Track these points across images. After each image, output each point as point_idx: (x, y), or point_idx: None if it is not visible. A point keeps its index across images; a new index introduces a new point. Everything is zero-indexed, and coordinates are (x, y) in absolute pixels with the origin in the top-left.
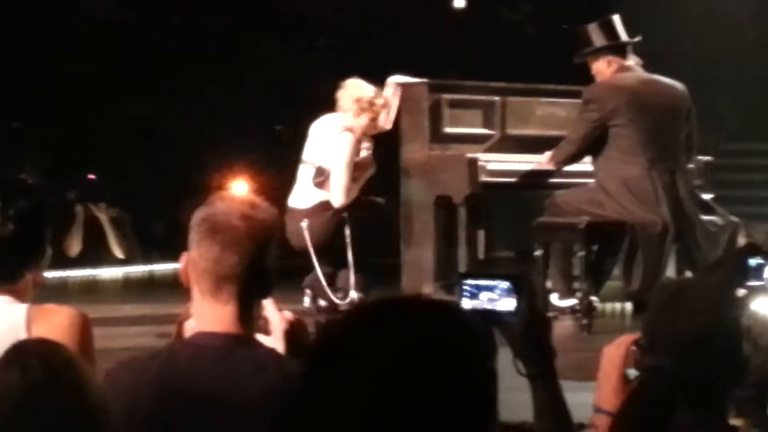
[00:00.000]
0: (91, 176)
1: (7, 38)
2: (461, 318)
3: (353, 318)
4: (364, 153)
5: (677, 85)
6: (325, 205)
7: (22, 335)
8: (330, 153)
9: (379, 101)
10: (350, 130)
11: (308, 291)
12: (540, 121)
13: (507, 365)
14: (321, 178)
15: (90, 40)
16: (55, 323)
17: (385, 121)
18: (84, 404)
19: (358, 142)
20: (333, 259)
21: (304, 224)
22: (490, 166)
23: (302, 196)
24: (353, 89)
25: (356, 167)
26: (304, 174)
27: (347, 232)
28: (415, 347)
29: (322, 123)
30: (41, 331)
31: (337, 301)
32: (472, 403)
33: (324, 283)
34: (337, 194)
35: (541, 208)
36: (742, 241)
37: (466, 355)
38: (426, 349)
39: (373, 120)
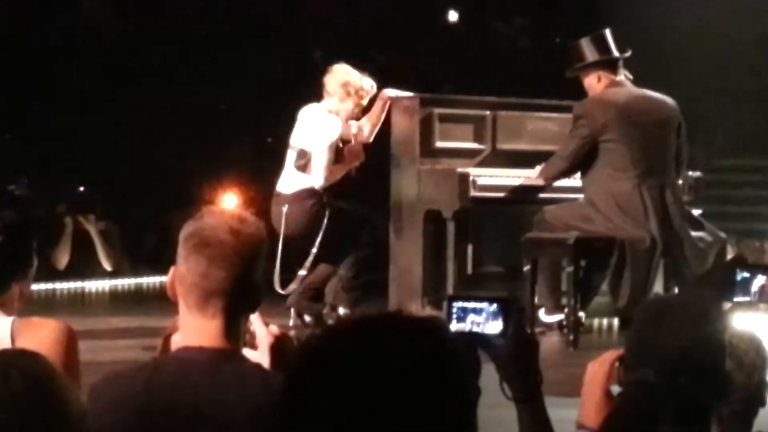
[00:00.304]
0: (81, 189)
1: None
2: (442, 334)
3: (334, 333)
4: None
5: (667, 100)
6: (308, 193)
7: (7, 347)
8: (313, 136)
9: (366, 87)
10: (335, 113)
11: (292, 311)
12: (531, 136)
13: (491, 382)
14: (303, 161)
15: (80, 51)
16: (41, 336)
17: (369, 135)
18: (64, 416)
19: (343, 125)
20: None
21: (285, 209)
22: (481, 181)
23: (287, 181)
24: (340, 74)
25: (344, 155)
26: (290, 159)
27: (324, 221)
28: (395, 363)
29: (309, 108)
30: (26, 345)
31: (281, 291)
32: (452, 418)
33: (277, 270)
34: (317, 174)
35: (531, 223)
36: (730, 256)
37: (447, 371)
38: (406, 365)
39: (358, 106)
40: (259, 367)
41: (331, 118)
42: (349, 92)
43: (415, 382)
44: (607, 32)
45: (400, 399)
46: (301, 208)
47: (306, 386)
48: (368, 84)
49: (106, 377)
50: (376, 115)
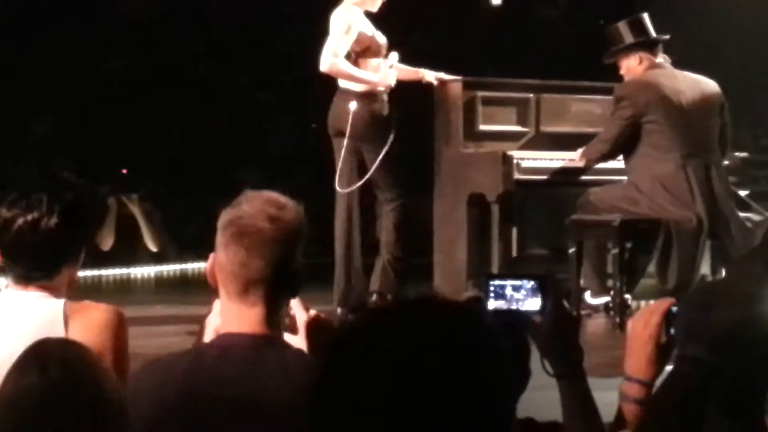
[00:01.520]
0: (124, 171)
1: (40, 34)
2: (478, 319)
3: (369, 319)
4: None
5: (709, 81)
6: (375, 96)
7: (60, 330)
8: (332, 25)
9: None
10: (359, 4)
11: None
12: (575, 118)
13: (537, 364)
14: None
15: (124, 35)
16: (92, 319)
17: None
18: (101, 406)
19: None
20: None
21: (352, 107)
22: (524, 164)
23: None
24: None
25: (376, 47)
26: None
27: (391, 135)
28: (428, 349)
29: (335, 11)
30: (79, 327)
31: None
32: (487, 404)
33: (339, 171)
34: (324, 56)
35: (575, 205)
36: None
37: (482, 355)
38: (440, 351)
39: None
40: (301, 353)
41: (350, 8)
42: None
43: (450, 366)
44: (645, 15)
45: (434, 385)
46: (367, 109)
47: (339, 372)
48: None
49: (146, 365)
50: (404, 75)
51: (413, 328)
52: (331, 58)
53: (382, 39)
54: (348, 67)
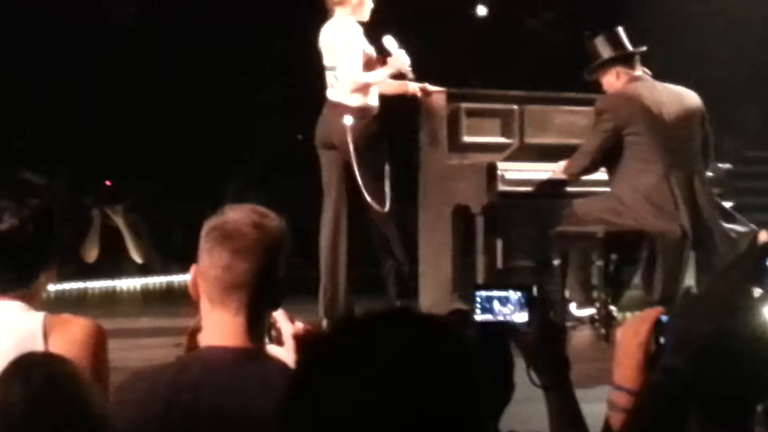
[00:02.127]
0: (108, 183)
1: (32, 43)
2: (452, 331)
3: (340, 331)
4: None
5: (689, 92)
6: (369, 110)
7: (40, 344)
8: (336, 43)
9: None
10: (351, 14)
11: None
12: (559, 130)
13: (521, 376)
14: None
15: (114, 44)
16: (72, 334)
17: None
18: (85, 418)
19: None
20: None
21: (348, 121)
22: (509, 175)
23: (346, 95)
24: None
25: (377, 63)
26: (331, 78)
27: (383, 150)
28: (401, 361)
29: (327, 25)
30: (58, 341)
31: (381, 209)
32: (460, 417)
33: (363, 189)
34: (343, 80)
35: (560, 217)
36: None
37: (455, 369)
38: (412, 363)
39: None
40: (284, 366)
41: (345, 20)
42: None
43: (421, 381)
44: (620, 29)
45: (405, 398)
46: (362, 124)
47: (310, 384)
48: None
49: (131, 377)
50: (389, 88)
51: (384, 341)
52: (350, 76)
53: (375, 54)
54: (367, 77)
